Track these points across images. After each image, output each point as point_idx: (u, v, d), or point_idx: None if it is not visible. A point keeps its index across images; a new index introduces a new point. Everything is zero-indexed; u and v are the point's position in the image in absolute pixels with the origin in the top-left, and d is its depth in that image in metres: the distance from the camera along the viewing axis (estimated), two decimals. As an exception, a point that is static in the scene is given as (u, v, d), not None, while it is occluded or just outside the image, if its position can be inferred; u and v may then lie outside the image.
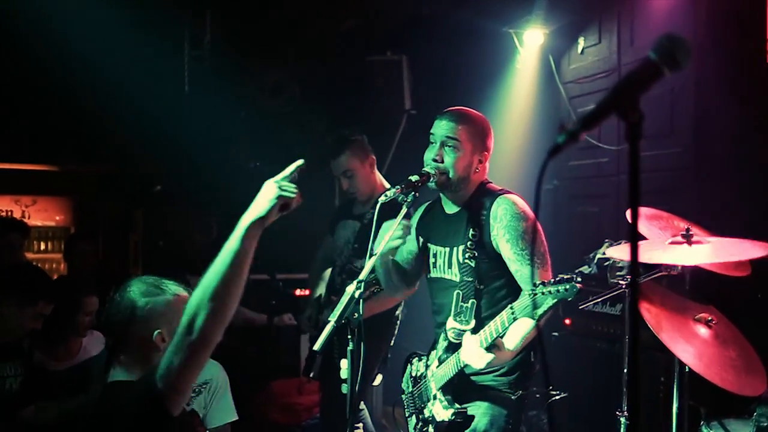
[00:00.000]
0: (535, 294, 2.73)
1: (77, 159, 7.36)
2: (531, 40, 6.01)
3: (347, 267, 4.52)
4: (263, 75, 6.63)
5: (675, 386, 3.33)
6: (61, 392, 3.96)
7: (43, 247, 8.87)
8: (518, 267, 3.11)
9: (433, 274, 3.42)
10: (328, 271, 4.78)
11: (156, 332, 2.57)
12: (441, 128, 3.22)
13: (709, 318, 3.24)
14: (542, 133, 5.96)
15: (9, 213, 8.55)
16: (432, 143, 3.24)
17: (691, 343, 3.15)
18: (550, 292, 2.71)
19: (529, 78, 6.13)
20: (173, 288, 2.69)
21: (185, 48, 6.12)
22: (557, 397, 4.80)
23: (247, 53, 6.55)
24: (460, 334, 3.14)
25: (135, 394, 2.45)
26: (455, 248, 3.27)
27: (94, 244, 6.19)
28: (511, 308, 2.85)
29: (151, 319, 2.58)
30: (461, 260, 3.22)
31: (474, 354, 3.00)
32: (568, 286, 2.68)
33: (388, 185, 4.63)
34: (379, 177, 4.65)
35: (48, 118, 6.68)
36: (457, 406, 3.16)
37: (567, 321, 4.85)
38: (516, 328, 2.99)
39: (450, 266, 3.29)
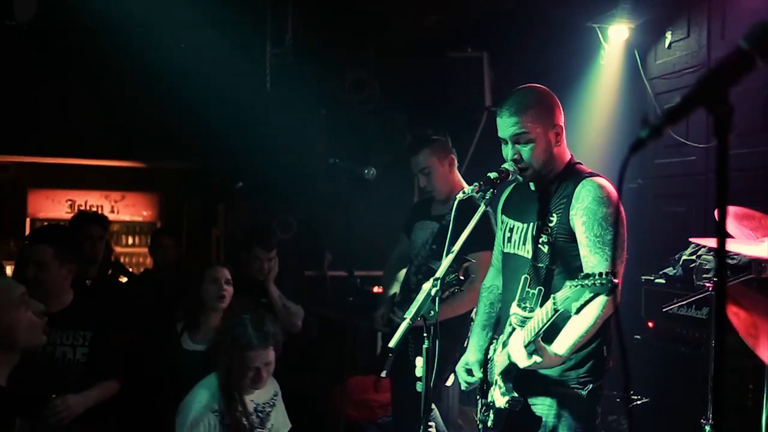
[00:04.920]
0: (575, 285, 2.58)
1: (164, 156, 7.56)
2: (616, 35, 5.86)
3: (423, 267, 4.50)
4: (344, 72, 6.66)
5: (765, 395, 3.19)
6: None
7: (130, 241, 9.17)
8: (587, 253, 2.91)
9: (507, 249, 3.26)
10: (403, 271, 4.78)
11: None
12: (505, 128, 3.05)
13: (804, 324, 3.08)
14: (627, 131, 5.80)
15: (99, 208, 8.86)
16: (504, 144, 3.09)
17: (784, 350, 3.01)
18: (586, 285, 2.54)
19: (613, 74, 5.97)
20: None
21: (267, 46, 6.20)
22: (638, 402, 4.67)
23: (328, 50, 6.59)
24: (524, 321, 3.00)
25: None
26: (531, 224, 3.12)
27: (177, 239, 6.33)
28: (554, 298, 2.69)
29: None
30: (534, 240, 3.06)
31: (518, 353, 2.87)
32: (603, 280, 2.54)
33: (466, 185, 4.61)
34: (458, 177, 4.64)
35: (136, 117, 6.88)
36: (514, 394, 3.00)
37: (650, 324, 4.71)
38: (567, 331, 2.87)
39: (524, 242, 3.13)
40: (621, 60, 5.93)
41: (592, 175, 3.06)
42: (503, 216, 3.36)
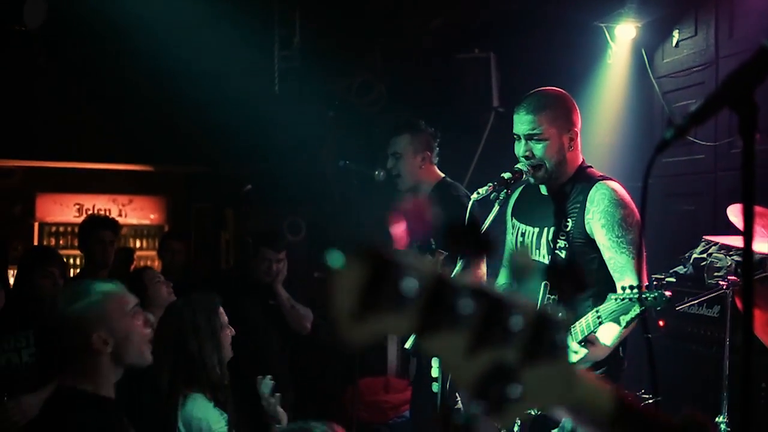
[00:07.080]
0: (623, 299, 2.63)
1: (171, 159, 7.58)
2: (623, 34, 5.86)
3: None
4: (351, 74, 6.68)
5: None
6: None
7: (138, 244, 9.19)
8: (612, 254, 2.96)
9: None
10: None
11: (93, 336, 2.52)
12: (521, 124, 3.10)
13: (818, 322, 3.09)
14: (635, 130, 5.80)
15: (107, 212, 8.88)
16: (517, 140, 3.13)
17: (798, 348, 3.01)
18: (638, 299, 2.60)
19: (621, 73, 5.97)
20: (100, 287, 2.63)
21: (275, 49, 6.22)
22: (650, 401, 4.67)
23: (335, 52, 6.61)
24: None
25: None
26: (545, 229, 3.15)
27: (185, 243, 6.36)
28: (597, 311, 2.75)
29: (82, 324, 2.53)
30: (551, 246, 3.08)
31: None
32: (656, 295, 2.58)
33: (439, 178, 4.53)
34: (428, 174, 4.54)
35: (143, 121, 6.90)
36: None
37: (661, 323, 4.71)
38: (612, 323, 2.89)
39: (538, 247, 3.15)
40: (628, 59, 5.93)
41: (603, 178, 3.11)
42: (513, 219, 3.37)
